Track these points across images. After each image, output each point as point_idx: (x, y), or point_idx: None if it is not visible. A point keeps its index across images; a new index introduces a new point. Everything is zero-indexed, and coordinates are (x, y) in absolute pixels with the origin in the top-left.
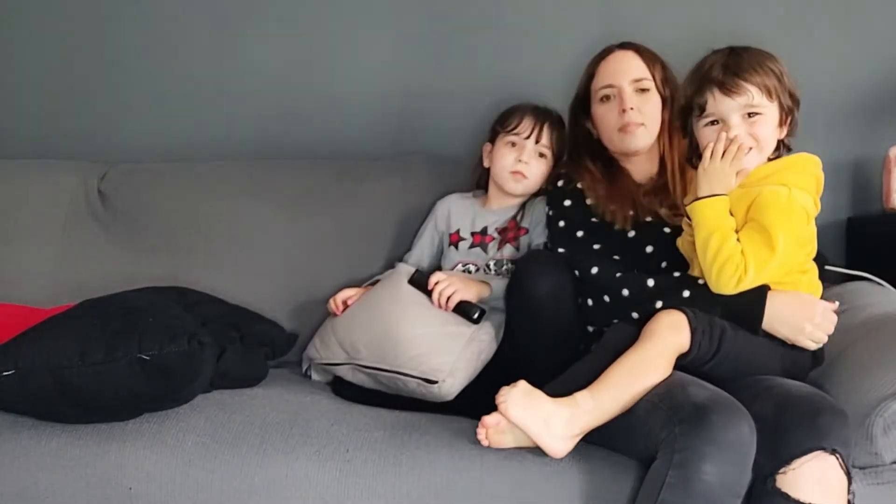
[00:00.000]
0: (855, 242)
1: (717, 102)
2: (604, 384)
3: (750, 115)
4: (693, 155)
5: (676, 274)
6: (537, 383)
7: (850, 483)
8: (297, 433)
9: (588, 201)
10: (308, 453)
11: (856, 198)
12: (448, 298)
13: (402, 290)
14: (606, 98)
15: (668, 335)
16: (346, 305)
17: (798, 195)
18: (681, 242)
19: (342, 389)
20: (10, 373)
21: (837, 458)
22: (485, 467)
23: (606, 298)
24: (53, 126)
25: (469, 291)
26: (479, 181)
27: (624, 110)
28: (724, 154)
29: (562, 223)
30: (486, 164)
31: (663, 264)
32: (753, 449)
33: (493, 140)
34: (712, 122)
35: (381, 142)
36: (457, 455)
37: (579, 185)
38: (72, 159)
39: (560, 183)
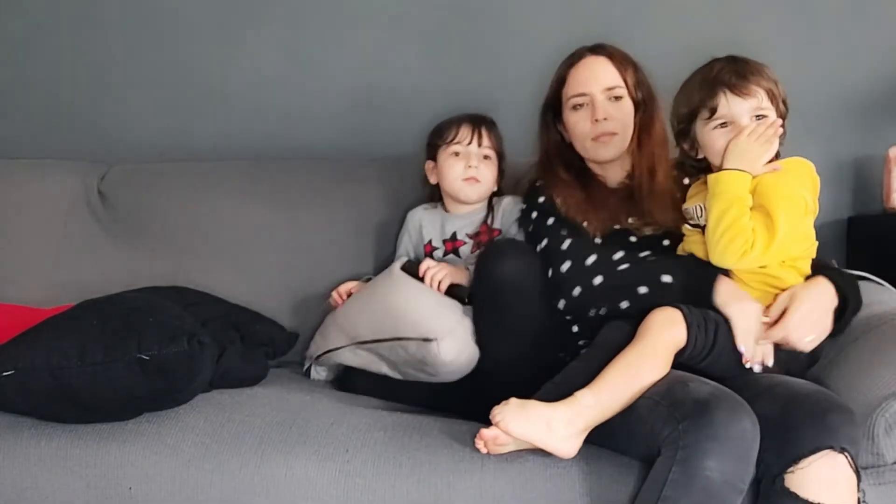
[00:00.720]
0: (855, 242)
1: (730, 104)
2: (603, 381)
3: (758, 117)
4: (689, 160)
5: (650, 257)
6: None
7: (859, 481)
8: (296, 433)
9: (558, 200)
10: (308, 453)
11: (856, 197)
12: (440, 283)
13: (397, 274)
14: (579, 106)
15: (664, 331)
16: (349, 296)
17: (797, 187)
18: (683, 248)
19: (347, 382)
20: (9, 373)
21: (846, 457)
22: (486, 469)
23: (577, 291)
24: (53, 126)
25: (458, 276)
26: (433, 197)
27: (597, 120)
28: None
29: (534, 214)
30: (432, 181)
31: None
32: (756, 444)
33: (432, 157)
34: (722, 125)
35: (380, 143)
36: (457, 456)
37: (550, 190)
38: (72, 159)
39: (538, 183)
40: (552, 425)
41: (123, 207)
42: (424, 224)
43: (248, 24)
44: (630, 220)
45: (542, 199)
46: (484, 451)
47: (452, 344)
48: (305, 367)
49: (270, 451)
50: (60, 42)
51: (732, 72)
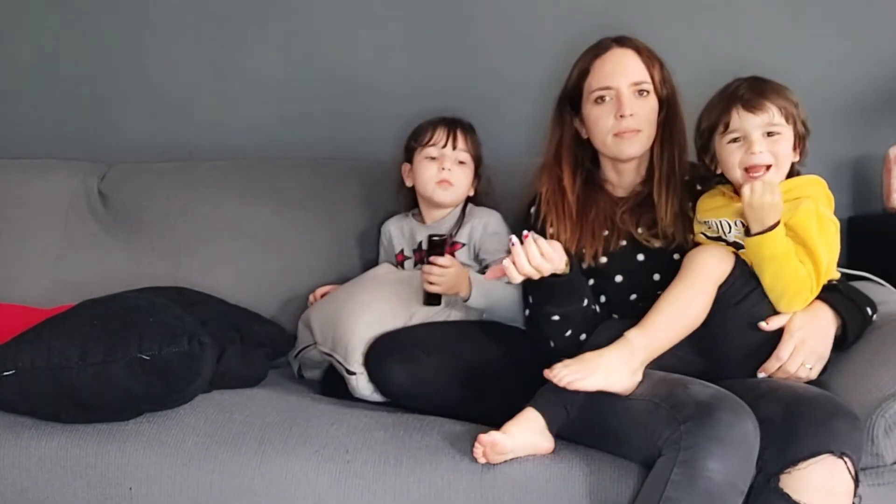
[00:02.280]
0: (855, 242)
1: (742, 119)
2: (652, 319)
3: (770, 133)
4: (709, 173)
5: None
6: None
7: (857, 487)
8: (296, 433)
9: (550, 230)
10: (308, 453)
11: (856, 197)
12: (428, 283)
13: (367, 276)
14: (601, 100)
15: (712, 263)
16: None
17: (823, 210)
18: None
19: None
20: (10, 373)
21: (846, 463)
22: (486, 469)
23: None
24: (53, 126)
25: (452, 290)
26: (407, 202)
27: (623, 116)
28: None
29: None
30: (408, 183)
31: (632, 296)
32: (757, 446)
33: (409, 160)
34: (734, 140)
35: (382, 143)
36: (458, 456)
37: (544, 210)
38: (72, 159)
39: (532, 209)
40: (615, 368)
41: (123, 207)
42: (394, 235)
43: (248, 23)
44: (640, 231)
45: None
46: (482, 460)
47: (369, 383)
48: (295, 368)
49: (270, 451)
50: (60, 42)
51: (748, 88)
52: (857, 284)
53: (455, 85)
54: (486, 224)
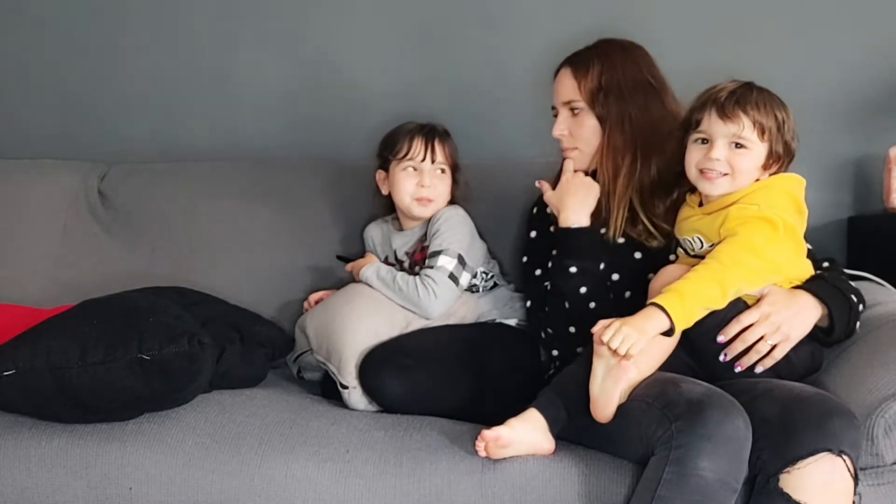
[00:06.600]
0: (856, 242)
1: (711, 123)
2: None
3: (737, 145)
4: (678, 166)
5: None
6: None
7: (856, 485)
8: (296, 433)
9: (552, 228)
10: (308, 453)
11: (856, 197)
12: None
13: (355, 286)
14: (555, 118)
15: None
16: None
17: (770, 214)
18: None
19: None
20: (10, 373)
21: (844, 461)
22: (486, 469)
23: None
24: (53, 126)
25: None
26: (384, 209)
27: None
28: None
29: (525, 258)
30: (384, 192)
31: (627, 294)
32: (749, 443)
33: (384, 167)
34: (702, 141)
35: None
36: (458, 456)
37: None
38: (72, 159)
39: (535, 210)
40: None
41: (123, 207)
42: (375, 241)
43: (250, 23)
44: (638, 230)
45: (533, 234)
46: (483, 454)
47: (363, 396)
48: (294, 370)
49: (270, 451)
50: (60, 42)
51: (729, 94)
52: (857, 284)
53: (454, 86)
54: (441, 215)
